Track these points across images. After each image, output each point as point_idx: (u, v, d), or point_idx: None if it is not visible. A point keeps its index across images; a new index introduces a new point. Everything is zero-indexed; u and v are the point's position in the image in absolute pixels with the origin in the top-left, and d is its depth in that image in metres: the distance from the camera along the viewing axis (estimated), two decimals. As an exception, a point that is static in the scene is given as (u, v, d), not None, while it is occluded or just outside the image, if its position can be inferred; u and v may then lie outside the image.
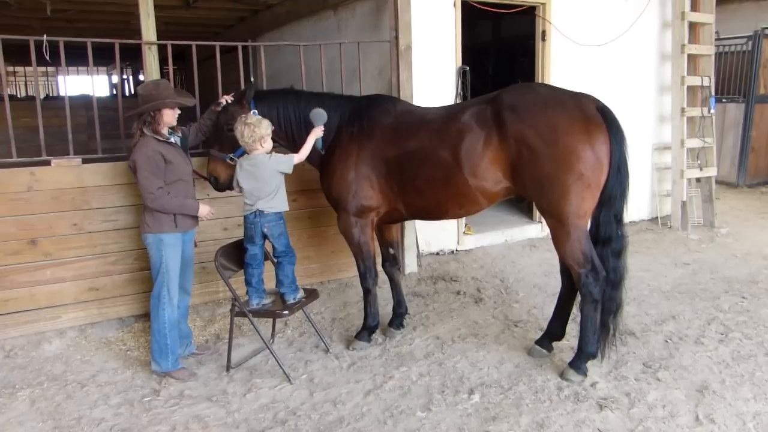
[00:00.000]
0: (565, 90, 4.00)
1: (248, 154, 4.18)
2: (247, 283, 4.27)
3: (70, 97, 5.85)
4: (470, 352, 4.43)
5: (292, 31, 9.34)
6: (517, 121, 3.81)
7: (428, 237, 6.66)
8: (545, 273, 6.11)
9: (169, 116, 4.06)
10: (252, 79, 4.93)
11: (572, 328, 4.45)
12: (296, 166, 4.28)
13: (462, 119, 4.03)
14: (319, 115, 4.29)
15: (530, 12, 7.17)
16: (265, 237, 4.26)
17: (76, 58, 8.92)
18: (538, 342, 4.36)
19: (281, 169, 4.21)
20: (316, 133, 4.30)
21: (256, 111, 4.36)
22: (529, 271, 6.20)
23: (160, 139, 4.01)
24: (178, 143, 4.20)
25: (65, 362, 4.45)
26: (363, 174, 4.32)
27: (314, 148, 4.36)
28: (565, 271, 4.16)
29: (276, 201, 4.21)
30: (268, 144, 4.21)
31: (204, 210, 4.19)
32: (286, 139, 4.56)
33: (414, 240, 6.26)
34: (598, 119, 3.76)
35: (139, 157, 3.92)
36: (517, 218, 7.73)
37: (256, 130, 4.09)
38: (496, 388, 3.91)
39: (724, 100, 10.11)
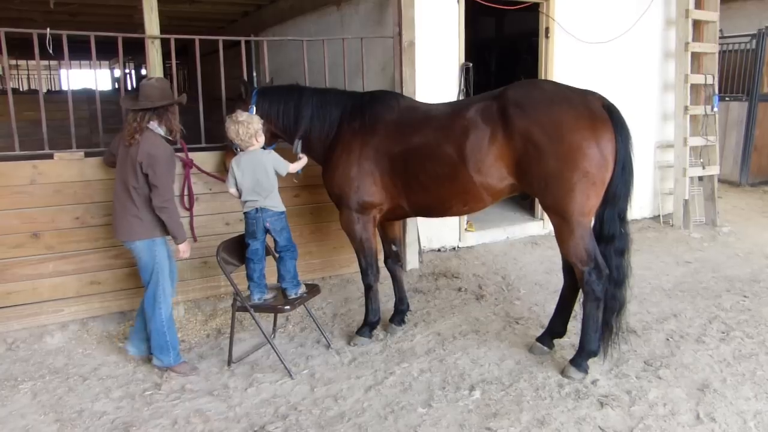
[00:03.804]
0: (571, 87, 3.99)
1: (243, 151, 4.23)
2: (249, 278, 4.28)
3: (73, 91, 5.82)
4: (471, 348, 4.44)
5: (296, 26, 9.33)
6: (523, 117, 3.80)
7: (430, 233, 6.66)
8: (546, 270, 6.11)
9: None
10: (245, 76, 4.96)
11: (573, 326, 4.46)
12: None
13: (467, 115, 4.02)
14: (296, 147, 4.52)
15: (534, 9, 7.14)
16: (266, 232, 4.27)
17: (79, 51, 8.90)
18: (540, 339, 4.37)
19: (278, 168, 4.27)
20: (302, 162, 4.51)
21: (254, 107, 4.43)
22: (531, 269, 6.20)
23: (169, 138, 4.00)
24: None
25: (67, 355, 4.47)
26: (366, 170, 4.32)
27: (318, 142, 4.43)
28: (568, 269, 4.16)
29: (277, 199, 4.25)
30: (262, 138, 4.30)
31: (184, 247, 4.09)
32: (284, 133, 4.61)
33: (416, 236, 6.27)
34: (603, 117, 3.75)
35: (161, 154, 3.81)
36: (519, 215, 7.73)
37: (250, 126, 4.18)
38: (497, 385, 3.91)
39: (727, 99, 10.08)
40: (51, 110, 5.12)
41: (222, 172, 4.97)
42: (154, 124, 3.92)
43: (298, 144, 4.49)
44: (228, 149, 4.61)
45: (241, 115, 4.21)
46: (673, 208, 7.78)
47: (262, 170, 4.18)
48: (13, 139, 4.67)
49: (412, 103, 4.59)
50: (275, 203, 4.24)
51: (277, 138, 4.69)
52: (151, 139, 3.87)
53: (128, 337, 4.40)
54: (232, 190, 4.29)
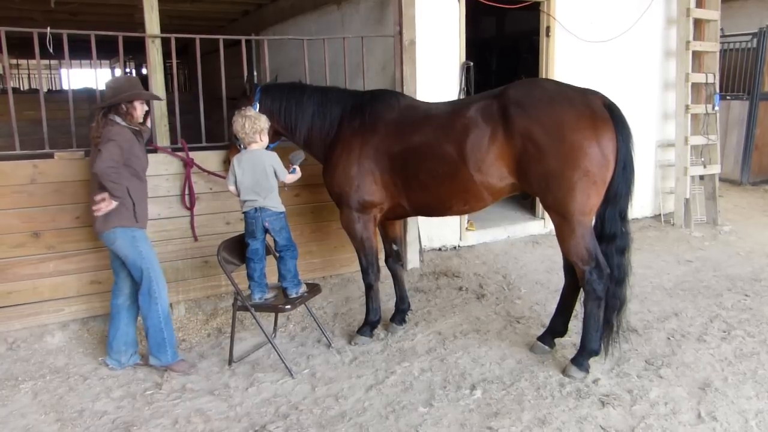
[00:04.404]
0: (572, 86, 3.98)
1: (246, 148, 4.23)
2: (249, 277, 4.28)
3: (73, 91, 5.83)
4: (472, 348, 4.43)
5: (296, 25, 9.33)
6: (524, 116, 3.79)
7: (430, 233, 6.66)
8: (547, 269, 6.10)
9: (140, 110, 4.04)
10: (248, 74, 4.98)
11: (574, 325, 4.45)
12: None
13: (468, 114, 4.01)
14: (298, 157, 4.42)
15: (534, 7, 7.14)
16: (266, 231, 4.27)
17: (80, 51, 8.90)
18: (541, 338, 4.36)
19: (277, 170, 4.24)
20: (296, 176, 4.40)
21: (257, 105, 4.45)
22: (532, 268, 6.19)
23: (135, 128, 3.99)
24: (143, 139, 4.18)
25: (68, 355, 4.46)
26: (366, 169, 4.32)
27: (318, 140, 4.46)
28: (569, 268, 4.15)
29: (276, 200, 4.25)
30: (266, 139, 4.30)
31: (106, 202, 3.81)
32: (286, 130, 4.62)
33: (416, 235, 6.26)
34: (605, 115, 3.75)
35: (118, 137, 3.81)
36: (520, 214, 7.72)
37: (257, 122, 4.19)
38: (498, 384, 3.91)
39: (728, 98, 10.07)
40: (51, 109, 5.12)
41: (226, 168, 4.97)
42: (117, 118, 3.93)
43: (299, 158, 4.44)
44: (233, 145, 4.62)
45: (250, 110, 4.24)
46: (674, 207, 7.77)
47: (261, 170, 4.17)
48: (14, 139, 4.67)
49: (412, 102, 4.59)
50: (275, 204, 4.24)
51: (279, 136, 4.70)
52: (114, 129, 3.87)
53: (106, 349, 4.29)
54: (232, 188, 4.29)
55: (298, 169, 4.41)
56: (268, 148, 4.39)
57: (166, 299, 4.16)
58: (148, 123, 4.32)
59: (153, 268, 4.07)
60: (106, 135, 3.85)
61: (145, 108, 4.13)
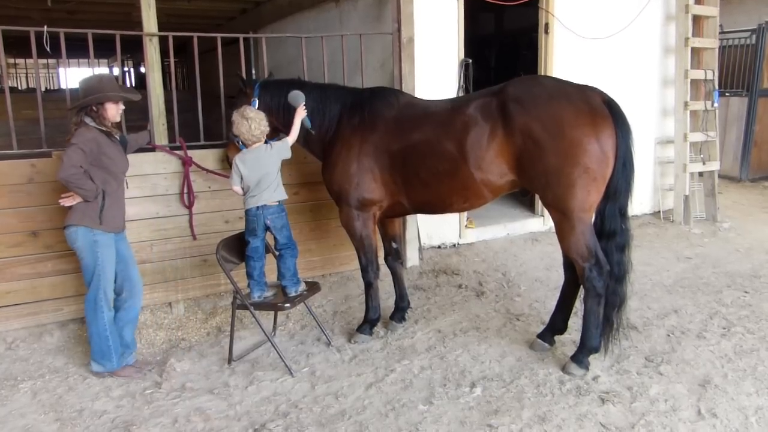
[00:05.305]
0: (571, 83, 3.97)
1: (248, 148, 4.21)
2: (249, 276, 4.27)
3: (71, 90, 5.80)
4: (472, 345, 4.43)
5: (294, 22, 9.31)
6: (523, 113, 3.78)
7: (430, 230, 6.65)
8: (547, 267, 6.10)
9: (113, 110, 3.97)
10: (246, 72, 4.96)
11: (574, 322, 4.45)
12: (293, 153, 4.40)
13: (467, 111, 4.01)
14: (297, 96, 4.34)
15: (533, 4, 7.13)
16: (267, 229, 4.26)
17: (77, 49, 8.87)
18: (540, 335, 4.36)
19: (283, 156, 4.27)
20: (300, 114, 4.35)
21: (257, 101, 4.43)
22: (531, 265, 6.19)
23: (103, 129, 3.94)
24: (118, 140, 4.13)
25: (67, 354, 4.46)
26: (365, 166, 4.31)
27: (310, 133, 4.45)
28: (568, 265, 4.15)
29: (278, 191, 4.24)
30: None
31: (71, 199, 3.93)
32: (285, 126, 4.61)
33: (416, 233, 6.26)
34: (604, 112, 3.74)
35: (78, 139, 3.79)
36: (519, 212, 7.71)
37: (261, 123, 4.20)
38: (497, 382, 3.91)
39: (727, 94, 10.06)
40: (49, 109, 5.12)
41: (224, 166, 4.96)
42: (88, 119, 3.90)
43: (301, 99, 4.32)
44: (231, 143, 4.60)
45: (251, 111, 4.21)
46: (674, 204, 7.76)
47: (268, 165, 4.17)
48: (12, 138, 4.66)
49: (411, 100, 4.58)
50: (280, 193, 4.23)
51: (278, 132, 4.68)
52: (80, 132, 3.85)
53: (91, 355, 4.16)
54: (237, 188, 4.26)
55: (300, 109, 4.34)
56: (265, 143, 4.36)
57: (112, 307, 4.07)
58: (149, 125, 4.28)
59: (105, 276, 3.98)
60: (71, 139, 3.84)
61: (122, 107, 4.05)
